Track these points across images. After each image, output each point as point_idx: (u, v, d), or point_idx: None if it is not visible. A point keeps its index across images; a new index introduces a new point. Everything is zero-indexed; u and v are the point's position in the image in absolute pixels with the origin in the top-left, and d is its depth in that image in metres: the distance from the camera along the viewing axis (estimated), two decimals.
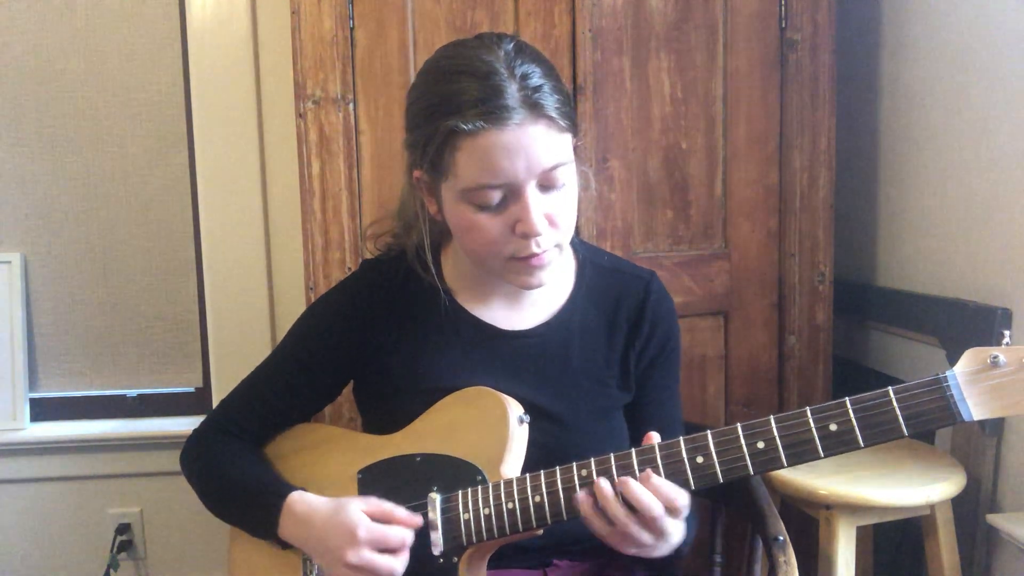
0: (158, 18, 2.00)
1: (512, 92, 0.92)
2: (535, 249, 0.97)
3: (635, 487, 0.88)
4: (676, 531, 0.93)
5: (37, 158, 2.02)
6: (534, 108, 0.93)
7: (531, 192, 0.95)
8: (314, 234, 1.60)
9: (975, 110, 1.55)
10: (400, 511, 0.99)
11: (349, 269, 1.59)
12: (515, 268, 1.00)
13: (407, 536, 0.97)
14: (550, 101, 0.94)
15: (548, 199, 0.97)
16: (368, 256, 1.22)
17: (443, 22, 1.58)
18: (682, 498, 0.89)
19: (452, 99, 0.93)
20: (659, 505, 0.88)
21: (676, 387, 1.18)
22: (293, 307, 1.96)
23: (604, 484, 0.90)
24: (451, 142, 0.93)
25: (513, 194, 0.95)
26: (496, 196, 0.95)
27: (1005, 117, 1.47)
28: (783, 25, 1.66)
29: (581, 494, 0.91)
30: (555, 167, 0.95)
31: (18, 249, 2.04)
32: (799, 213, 1.70)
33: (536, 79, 0.94)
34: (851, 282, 1.91)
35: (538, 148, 0.93)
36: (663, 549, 0.94)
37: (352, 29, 1.57)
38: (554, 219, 0.97)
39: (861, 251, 1.93)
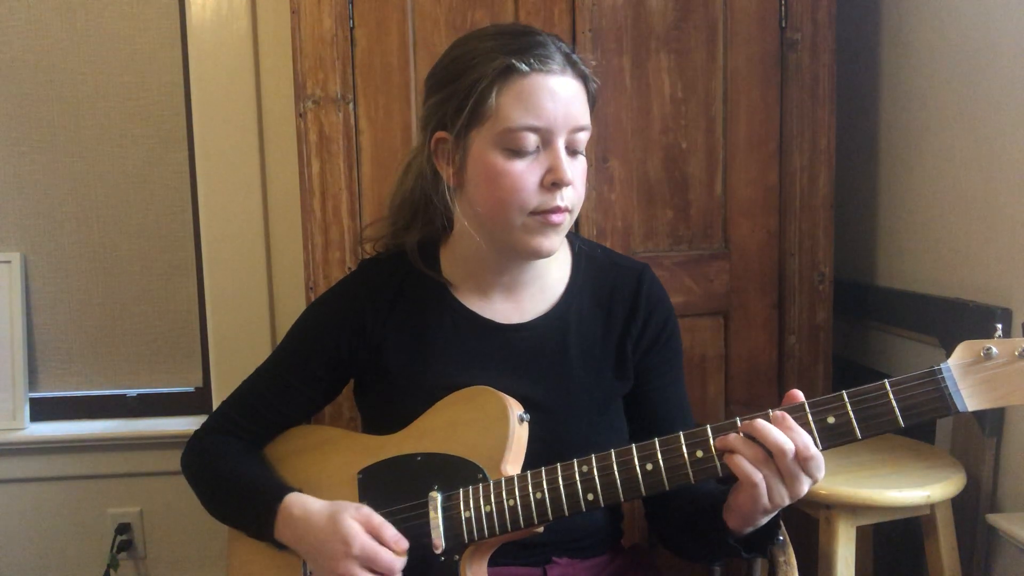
0: (158, 18, 2.00)
1: (555, 49, 1.00)
2: (559, 202, 0.99)
3: (761, 424, 0.87)
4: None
5: (37, 158, 2.02)
6: (573, 65, 1.01)
7: (561, 145, 0.99)
8: (314, 234, 1.60)
9: (975, 110, 1.55)
10: (389, 531, 0.99)
11: (349, 269, 1.59)
12: (533, 226, 1.01)
13: (396, 565, 0.98)
14: (582, 63, 1.02)
15: (572, 162, 1.01)
16: (366, 257, 1.22)
17: (443, 22, 1.58)
18: (802, 437, 0.86)
19: (500, 48, 0.99)
20: (789, 441, 0.86)
21: (680, 377, 1.19)
22: (293, 307, 1.96)
23: (733, 437, 0.89)
24: (499, 82, 0.98)
25: (546, 143, 0.99)
26: (533, 141, 0.98)
27: (1005, 117, 1.47)
28: (783, 25, 1.66)
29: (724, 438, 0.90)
30: (583, 128, 1.01)
31: (18, 249, 2.04)
32: (799, 213, 1.70)
33: (567, 49, 1.02)
34: (851, 282, 1.91)
35: (575, 101, 1.00)
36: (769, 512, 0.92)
37: (352, 29, 1.57)
38: (575, 182, 1.01)
39: (861, 251, 1.93)
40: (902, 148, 1.79)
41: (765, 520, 0.93)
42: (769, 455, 0.86)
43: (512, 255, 1.06)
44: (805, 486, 0.88)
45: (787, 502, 0.88)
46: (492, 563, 1.02)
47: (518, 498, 0.96)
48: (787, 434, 0.86)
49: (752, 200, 1.69)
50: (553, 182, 0.98)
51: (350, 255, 1.60)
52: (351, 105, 1.58)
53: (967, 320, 1.51)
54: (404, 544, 0.99)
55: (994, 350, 0.83)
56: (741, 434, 0.88)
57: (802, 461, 0.86)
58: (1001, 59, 1.47)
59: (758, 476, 0.87)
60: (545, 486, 0.95)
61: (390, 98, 1.58)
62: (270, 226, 2.00)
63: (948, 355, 1.55)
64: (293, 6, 1.55)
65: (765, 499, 0.88)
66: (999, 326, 0.85)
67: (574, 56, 1.02)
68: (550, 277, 1.13)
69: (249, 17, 1.93)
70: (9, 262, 2.02)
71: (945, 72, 1.63)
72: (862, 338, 1.91)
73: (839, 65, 1.69)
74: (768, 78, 1.66)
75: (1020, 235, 1.43)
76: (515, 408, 1.01)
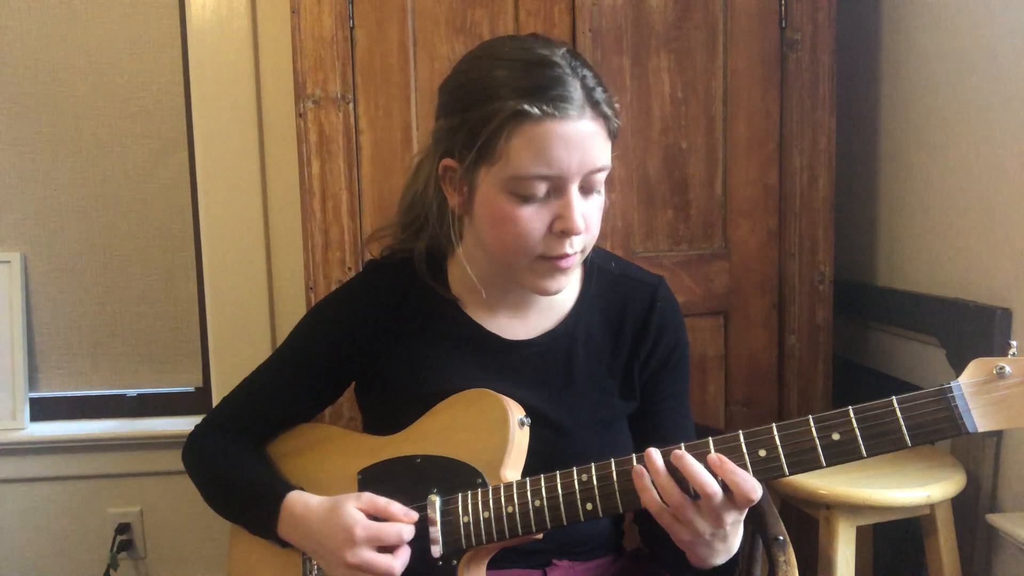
0: (158, 18, 2.00)
1: (575, 87, 0.92)
2: (567, 249, 0.96)
3: (689, 460, 0.86)
4: (736, 531, 0.90)
5: (37, 158, 2.02)
6: (594, 107, 0.93)
7: (574, 190, 0.94)
8: (314, 234, 1.60)
9: (975, 110, 1.55)
10: (396, 506, 0.99)
11: (349, 269, 1.59)
12: (540, 269, 0.98)
13: (404, 532, 0.97)
14: (605, 103, 0.95)
15: (585, 202, 0.96)
16: (373, 258, 1.21)
17: (443, 21, 1.58)
18: (745, 483, 0.84)
19: (517, 82, 0.92)
20: (714, 483, 0.85)
21: (685, 397, 1.16)
22: (293, 307, 1.97)
23: (655, 454, 0.88)
24: (510, 125, 0.92)
25: (557, 189, 0.94)
26: (542, 188, 0.93)
27: (1005, 117, 1.47)
28: (783, 25, 1.66)
29: (637, 467, 0.89)
30: (600, 170, 0.95)
31: (18, 249, 2.04)
32: (799, 213, 1.70)
33: (592, 81, 0.95)
34: (851, 282, 1.91)
35: (592, 146, 0.93)
36: (721, 552, 0.92)
37: (352, 29, 1.57)
38: (588, 223, 0.97)
39: (861, 251, 1.93)
40: (902, 148, 1.79)
41: (715, 553, 0.92)
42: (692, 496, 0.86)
43: (517, 286, 1.05)
44: (727, 516, 0.87)
45: (709, 529, 0.88)
46: (491, 565, 1.02)
47: (516, 505, 0.95)
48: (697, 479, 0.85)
49: (752, 200, 1.69)
50: (562, 230, 0.94)
51: (350, 255, 1.60)
52: (351, 105, 1.58)
53: (967, 320, 1.51)
54: (413, 515, 0.98)
55: (1008, 369, 0.79)
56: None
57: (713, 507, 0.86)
58: (1001, 59, 1.47)
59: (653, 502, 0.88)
60: (544, 494, 0.94)
61: (390, 98, 1.58)
62: (270, 226, 1.99)
63: (948, 355, 1.55)
64: (293, 6, 1.55)
65: (684, 534, 0.88)
66: (1014, 343, 0.81)
67: (596, 95, 0.94)
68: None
69: (249, 17, 1.93)
70: (9, 262, 2.02)
71: (945, 72, 1.63)
72: (862, 338, 1.91)
73: (839, 65, 1.69)
74: (768, 78, 1.66)
75: (1020, 235, 1.43)
76: (516, 412, 1.00)
